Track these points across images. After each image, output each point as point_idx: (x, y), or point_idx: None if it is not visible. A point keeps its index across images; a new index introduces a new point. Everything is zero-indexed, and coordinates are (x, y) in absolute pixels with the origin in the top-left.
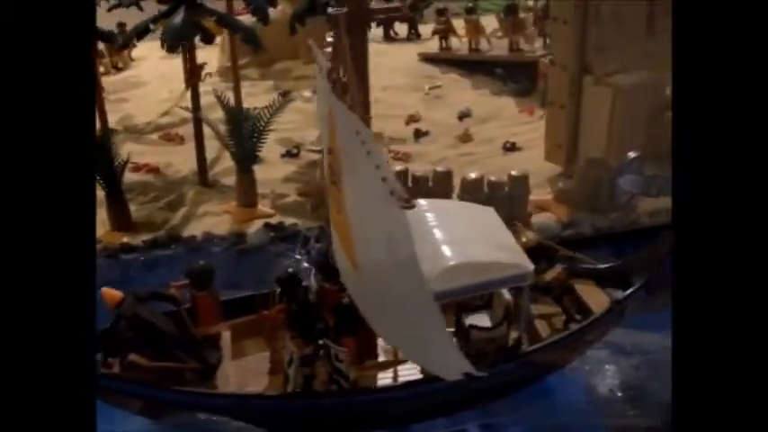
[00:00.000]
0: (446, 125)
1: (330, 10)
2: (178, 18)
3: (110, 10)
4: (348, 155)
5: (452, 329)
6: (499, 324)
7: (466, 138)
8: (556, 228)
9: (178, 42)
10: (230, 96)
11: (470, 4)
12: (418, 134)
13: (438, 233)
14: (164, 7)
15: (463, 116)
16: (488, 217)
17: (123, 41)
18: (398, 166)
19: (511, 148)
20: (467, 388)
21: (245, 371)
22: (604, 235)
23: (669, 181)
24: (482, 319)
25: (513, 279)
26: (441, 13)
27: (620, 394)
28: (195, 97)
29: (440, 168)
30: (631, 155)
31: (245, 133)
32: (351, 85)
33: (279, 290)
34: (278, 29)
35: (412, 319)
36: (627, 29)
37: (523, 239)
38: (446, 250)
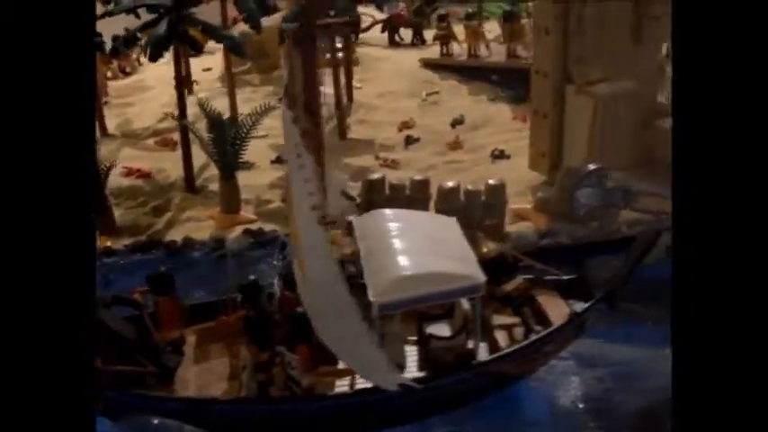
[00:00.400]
0: (438, 132)
1: (283, 25)
2: (161, 28)
3: (97, 19)
4: (290, 165)
5: (414, 338)
6: (458, 333)
7: (456, 145)
8: (533, 237)
9: (160, 51)
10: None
11: (470, 10)
12: (409, 141)
13: (396, 243)
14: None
15: (456, 123)
16: (449, 228)
17: (113, 49)
18: (376, 174)
19: (499, 155)
20: (420, 396)
21: (207, 374)
22: (580, 245)
23: (630, 193)
24: (443, 329)
25: (465, 290)
26: (441, 18)
27: (581, 406)
28: (182, 105)
29: (417, 177)
30: (591, 167)
31: (227, 140)
32: (297, 95)
33: (240, 297)
34: (278, 35)
35: (343, 332)
36: (610, 37)
37: (484, 250)
38: (400, 260)
